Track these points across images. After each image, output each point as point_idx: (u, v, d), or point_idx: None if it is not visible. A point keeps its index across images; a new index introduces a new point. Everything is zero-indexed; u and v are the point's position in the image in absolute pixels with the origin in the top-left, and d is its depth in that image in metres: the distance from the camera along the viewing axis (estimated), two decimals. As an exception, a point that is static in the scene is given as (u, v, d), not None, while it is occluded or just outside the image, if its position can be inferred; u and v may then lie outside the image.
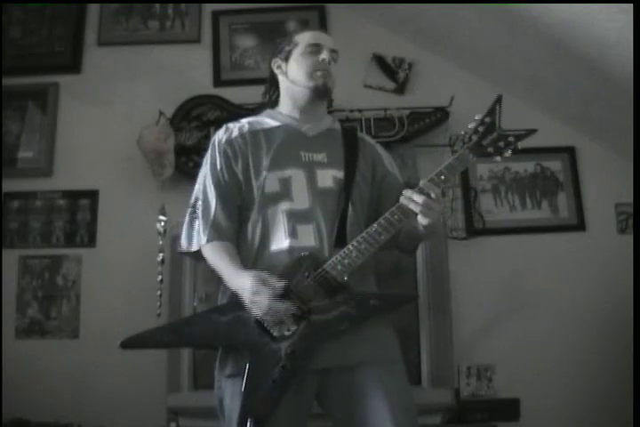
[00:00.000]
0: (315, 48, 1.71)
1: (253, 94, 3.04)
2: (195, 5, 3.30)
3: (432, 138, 3.02)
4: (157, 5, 3.31)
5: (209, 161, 1.70)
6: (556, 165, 3.09)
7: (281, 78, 1.75)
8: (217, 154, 1.69)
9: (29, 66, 3.22)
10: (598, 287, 2.91)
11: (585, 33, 2.46)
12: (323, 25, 3.21)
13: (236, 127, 1.73)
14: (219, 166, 1.67)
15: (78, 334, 2.90)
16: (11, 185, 3.05)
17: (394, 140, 2.94)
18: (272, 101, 1.79)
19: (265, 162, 1.65)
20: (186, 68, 3.19)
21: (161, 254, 2.72)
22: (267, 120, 1.75)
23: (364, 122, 2.96)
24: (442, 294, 2.41)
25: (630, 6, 2.14)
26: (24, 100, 3.17)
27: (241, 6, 3.29)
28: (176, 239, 2.50)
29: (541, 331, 2.85)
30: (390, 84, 3.17)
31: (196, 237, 1.64)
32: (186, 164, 2.96)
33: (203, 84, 3.16)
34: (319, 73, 1.68)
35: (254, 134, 1.70)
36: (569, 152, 3.10)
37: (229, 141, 1.69)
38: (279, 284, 1.48)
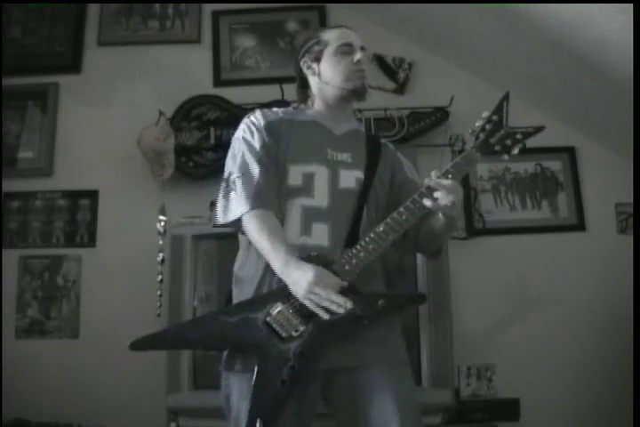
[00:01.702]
0: (347, 48, 1.69)
1: (253, 94, 3.11)
2: (195, 5, 3.30)
3: (432, 138, 3.03)
4: (157, 5, 3.31)
5: (246, 138, 1.65)
6: (556, 165, 3.09)
7: (312, 78, 1.74)
8: (255, 133, 1.65)
9: (29, 66, 3.22)
10: (598, 287, 2.91)
11: (585, 33, 2.45)
12: (323, 25, 3.20)
13: (270, 112, 1.72)
14: (259, 144, 1.63)
15: (78, 334, 2.90)
16: (11, 185, 3.05)
17: (394, 141, 2.92)
18: (302, 99, 1.79)
19: (291, 153, 1.64)
20: (186, 68, 3.19)
21: (161, 254, 2.72)
22: (297, 114, 1.74)
23: (364, 122, 2.94)
24: (442, 294, 2.41)
25: (630, 6, 2.13)
26: (24, 100, 3.17)
27: (241, 6, 3.29)
28: (176, 239, 2.55)
29: (541, 331, 2.85)
30: (390, 84, 3.17)
31: (235, 207, 1.55)
32: (186, 164, 2.96)
33: (203, 84, 3.16)
34: (357, 74, 1.67)
35: (288, 123, 1.69)
36: (569, 152, 3.10)
37: (267, 123, 1.67)
38: (338, 281, 1.47)
